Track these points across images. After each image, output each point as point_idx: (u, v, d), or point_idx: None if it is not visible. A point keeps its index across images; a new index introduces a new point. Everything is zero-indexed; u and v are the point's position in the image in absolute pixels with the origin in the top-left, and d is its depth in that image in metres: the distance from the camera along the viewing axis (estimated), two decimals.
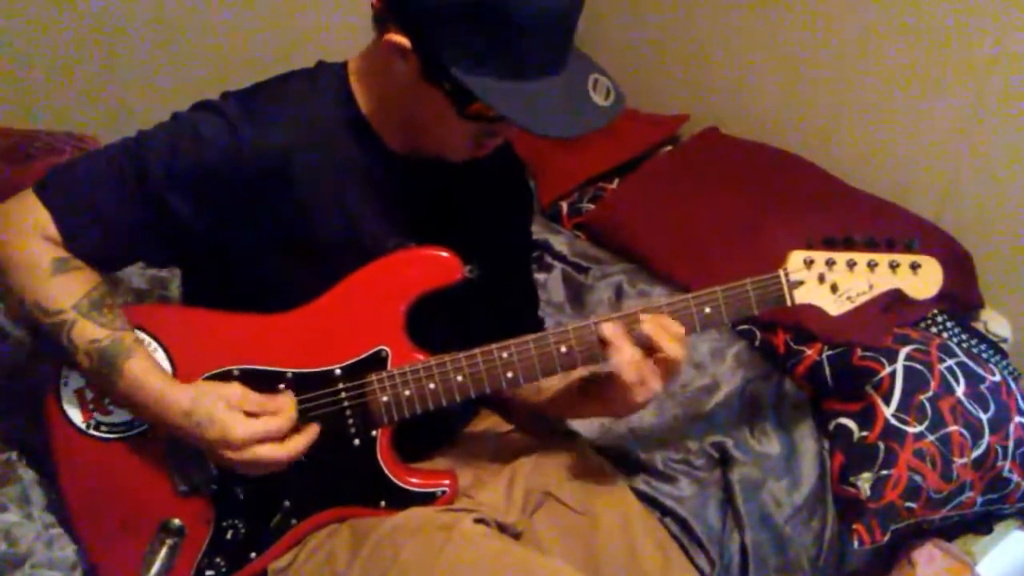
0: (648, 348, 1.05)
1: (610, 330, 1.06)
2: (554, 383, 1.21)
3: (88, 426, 1.06)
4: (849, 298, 1.18)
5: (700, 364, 1.63)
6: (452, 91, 0.94)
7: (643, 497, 1.38)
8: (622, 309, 1.76)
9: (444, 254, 1.09)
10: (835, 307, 1.18)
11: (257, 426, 1.00)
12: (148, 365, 1.01)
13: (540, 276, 1.90)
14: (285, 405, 1.04)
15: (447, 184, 1.12)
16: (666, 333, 1.05)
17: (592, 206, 2.16)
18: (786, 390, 1.59)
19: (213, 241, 1.04)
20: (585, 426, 1.48)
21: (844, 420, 1.53)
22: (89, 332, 0.99)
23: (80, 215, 1.00)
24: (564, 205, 2.21)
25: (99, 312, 1.00)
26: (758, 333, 1.69)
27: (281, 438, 1.02)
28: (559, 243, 1.97)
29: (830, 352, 1.59)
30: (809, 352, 1.61)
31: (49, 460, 1.08)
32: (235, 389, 1.03)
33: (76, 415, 1.06)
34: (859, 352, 1.56)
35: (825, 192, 1.95)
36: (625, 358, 1.04)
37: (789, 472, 1.48)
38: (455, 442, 1.29)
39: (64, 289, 0.99)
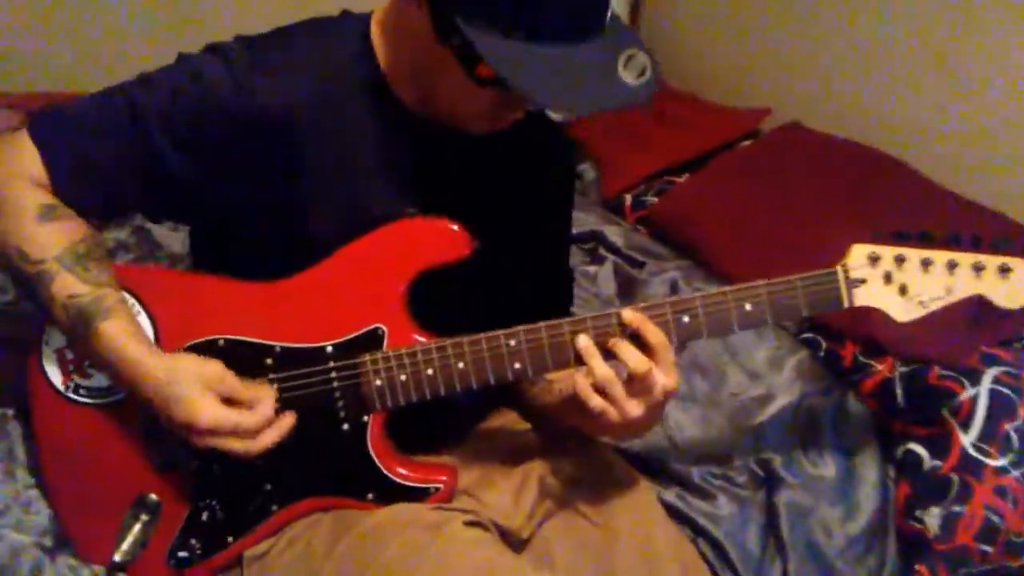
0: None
1: (583, 342, 0.94)
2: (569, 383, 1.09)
3: (67, 388, 1.01)
4: (921, 303, 1.01)
5: (755, 373, 1.48)
6: (460, 49, 0.84)
7: (674, 512, 1.25)
8: None
9: (452, 226, 0.99)
10: (903, 312, 1.02)
11: (227, 418, 0.91)
12: (126, 329, 0.94)
13: (591, 268, 1.78)
14: (264, 398, 0.94)
15: (472, 154, 1.02)
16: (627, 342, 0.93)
17: (657, 200, 2.02)
18: (849, 408, 1.42)
19: (206, 196, 0.97)
20: None
21: (914, 446, 1.35)
22: (69, 286, 0.93)
23: (69, 159, 0.95)
24: (628, 198, 2.07)
25: (83, 266, 0.94)
26: (823, 343, 1.53)
27: (252, 434, 0.93)
28: (614, 234, 1.84)
29: (903, 368, 1.41)
30: (879, 367, 1.43)
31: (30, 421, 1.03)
32: (215, 369, 0.93)
33: (56, 376, 1.01)
34: (937, 371, 1.38)
35: (915, 194, 1.75)
36: (580, 376, 0.93)
37: (845, 499, 1.31)
38: (464, 436, 1.19)
39: (49, 238, 0.93)
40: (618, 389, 0.91)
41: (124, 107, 0.94)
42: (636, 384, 0.91)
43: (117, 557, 0.98)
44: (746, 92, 2.35)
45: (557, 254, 1.20)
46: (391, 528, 0.97)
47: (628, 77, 0.84)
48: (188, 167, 0.94)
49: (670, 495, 1.29)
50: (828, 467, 1.34)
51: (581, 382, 0.92)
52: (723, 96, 2.38)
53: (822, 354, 1.52)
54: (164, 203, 1.01)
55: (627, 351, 0.92)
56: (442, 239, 0.99)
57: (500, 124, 0.96)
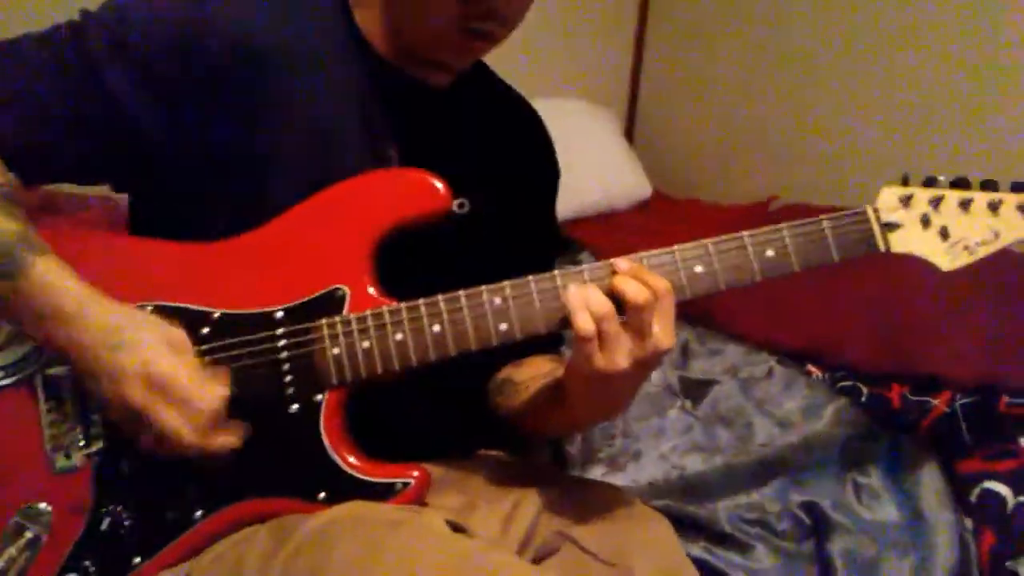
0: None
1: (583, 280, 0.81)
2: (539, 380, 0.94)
3: None
4: (967, 248, 0.87)
5: (784, 422, 1.27)
6: None
7: (704, 568, 1.01)
8: (689, 367, 1.44)
9: (431, 179, 0.86)
10: (948, 259, 0.87)
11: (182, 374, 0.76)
12: (64, 267, 0.79)
13: None
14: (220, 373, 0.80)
15: (449, 115, 0.95)
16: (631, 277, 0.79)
17: None
18: (904, 448, 1.20)
19: (151, 138, 0.84)
20: (629, 479, 1.14)
21: (992, 484, 1.13)
22: None
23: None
24: None
25: (11, 203, 0.80)
26: (864, 389, 1.33)
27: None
28: None
29: (964, 400, 1.21)
30: (935, 402, 1.24)
31: None
32: (180, 333, 0.80)
33: None
34: (1006, 398, 1.18)
35: None
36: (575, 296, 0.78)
37: (916, 547, 1.06)
38: (443, 455, 0.98)
39: None
40: (613, 325, 0.76)
41: (68, 36, 0.84)
42: (632, 320, 0.77)
43: None
44: (749, 188, 2.30)
45: (544, 232, 1.07)
46: (342, 527, 0.75)
47: None
48: (131, 101, 0.82)
49: (695, 548, 1.05)
50: (887, 510, 1.10)
51: (572, 292, 0.78)
52: (727, 198, 2.34)
53: (864, 399, 1.32)
54: (97, 154, 0.87)
55: (626, 283, 0.78)
56: (417, 191, 0.86)
57: (468, 50, 0.88)
